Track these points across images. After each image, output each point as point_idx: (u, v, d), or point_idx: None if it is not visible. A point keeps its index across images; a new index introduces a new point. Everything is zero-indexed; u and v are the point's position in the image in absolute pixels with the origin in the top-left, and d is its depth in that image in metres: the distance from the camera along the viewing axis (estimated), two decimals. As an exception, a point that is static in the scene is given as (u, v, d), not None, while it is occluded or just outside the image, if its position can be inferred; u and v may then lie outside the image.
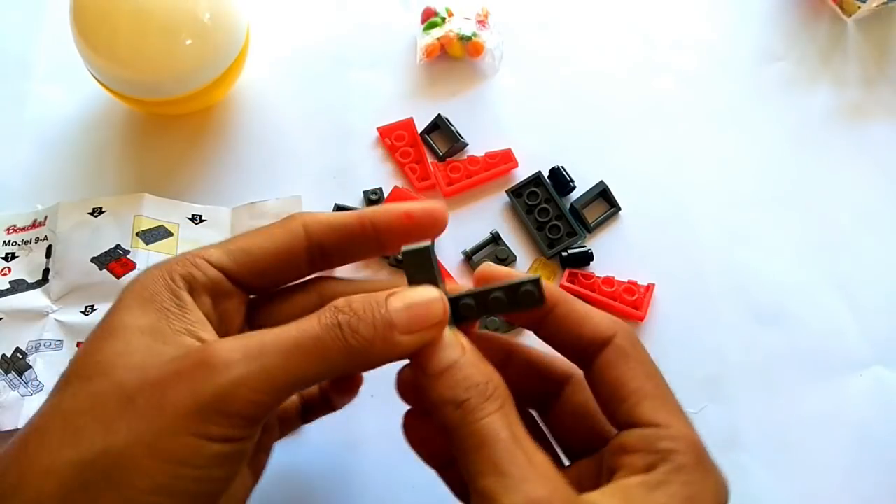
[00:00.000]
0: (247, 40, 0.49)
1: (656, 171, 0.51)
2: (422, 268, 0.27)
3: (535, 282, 0.27)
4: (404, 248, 0.27)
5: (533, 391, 0.31)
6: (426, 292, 0.26)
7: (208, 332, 0.27)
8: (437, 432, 0.30)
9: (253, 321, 0.30)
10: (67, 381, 0.25)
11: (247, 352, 0.24)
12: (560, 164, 0.49)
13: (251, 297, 0.30)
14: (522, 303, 0.27)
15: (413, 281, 0.27)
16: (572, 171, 0.49)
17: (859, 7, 0.54)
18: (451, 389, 0.25)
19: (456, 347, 0.26)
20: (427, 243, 0.27)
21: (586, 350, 0.28)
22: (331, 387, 0.34)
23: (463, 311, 0.28)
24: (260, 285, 0.29)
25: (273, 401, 0.24)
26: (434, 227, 0.29)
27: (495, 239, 0.48)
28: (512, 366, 0.30)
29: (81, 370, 0.25)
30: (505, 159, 0.50)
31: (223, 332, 0.28)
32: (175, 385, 0.23)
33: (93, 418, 0.23)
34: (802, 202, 0.50)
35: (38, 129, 0.51)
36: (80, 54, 0.45)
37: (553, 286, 0.29)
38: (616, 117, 0.52)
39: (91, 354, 0.25)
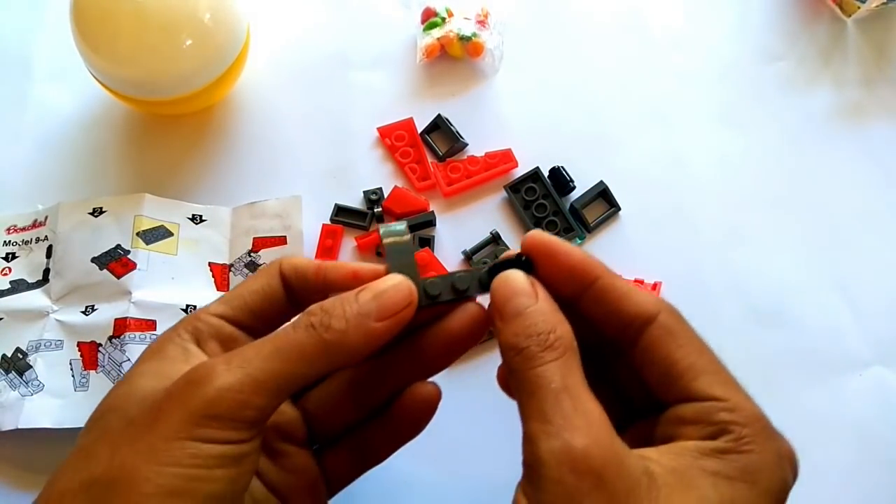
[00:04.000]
0: (247, 40, 0.49)
1: (656, 171, 0.51)
2: (400, 246, 0.30)
3: (491, 270, 0.29)
4: (381, 227, 0.30)
5: (610, 328, 0.29)
6: (390, 279, 0.28)
7: None
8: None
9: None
10: (84, 426, 0.28)
11: (229, 363, 0.26)
12: (560, 164, 0.49)
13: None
14: (485, 287, 0.29)
15: (391, 259, 0.30)
16: (572, 171, 0.49)
17: (859, 7, 0.54)
18: (516, 336, 0.27)
19: (530, 296, 0.27)
20: (403, 222, 0.31)
21: (629, 327, 0.28)
22: (402, 414, 0.33)
23: (430, 291, 0.30)
24: (256, 324, 0.31)
25: (263, 402, 0.26)
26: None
27: (495, 239, 0.48)
28: (590, 297, 0.29)
29: (95, 414, 0.28)
30: (505, 159, 0.50)
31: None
32: (168, 402, 0.25)
33: (102, 444, 0.26)
34: (802, 202, 0.50)
35: (39, 130, 0.51)
36: (81, 54, 0.45)
37: (593, 258, 0.29)
38: (616, 117, 0.52)
39: (103, 402, 0.28)
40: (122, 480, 0.24)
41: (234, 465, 0.25)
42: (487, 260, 0.47)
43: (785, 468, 0.26)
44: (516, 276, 0.28)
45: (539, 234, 0.29)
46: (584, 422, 0.24)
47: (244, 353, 0.26)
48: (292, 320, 0.28)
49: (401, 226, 0.31)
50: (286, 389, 0.26)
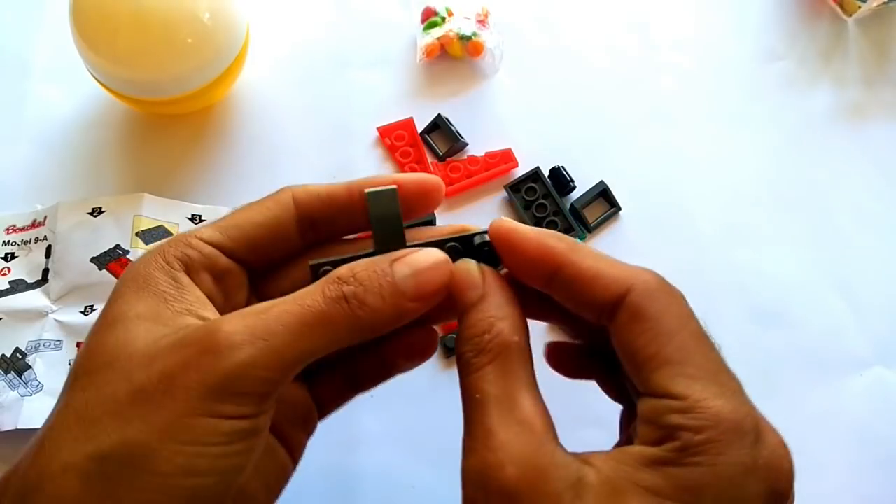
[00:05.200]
0: (246, 40, 0.49)
1: (656, 171, 0.50)
2: (386, 212, 0.27)
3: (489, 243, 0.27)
4: (367, 190, 0.27)
5: (589, 317, 0.26)
6: (431, 255, 0.26)
7: (209, 311, 0.26)
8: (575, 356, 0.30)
9: (260, 294, 0.29)
10: (75, 377, 0.25)
11: (252, 332, 0.23)
12: (560, 164, 0.49)
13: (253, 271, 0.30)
14: (480, 258, 0.27)
15: (377, 227, 0.27)
16: (572, 171, 0.49)
17: (860, 7, 0.54)
18: (457, 341, 0.25)
19: (476, 290, 0.25)
20: (392, 187, 0.27)
21: (603, 314, 0.25)
22: (398, 351, 0.31)
23: None
24: (255, 260, 0.28)
25: (282, 376, 0.24)
26: (427, 202, 0.28)
27: (495, 239, 0.48)
28: (558, 285, 0.26)
29: (87, 364, 0.25)
30: (505, 159, 0.50)
31: (229, 308, 0.27)
32: (183, 374, 0.23)
33: (105, 411, 0.23)
34: (803, 202, 0.50)
35: (38, 129, 0.51)
36: (80, 54, 0.45)
37: (555, 240, 0.26)
38: (616, 117, 0.52)
39: (94, 348, 0.25)
40: (137, 458, 0.22)
41: (251, 437, 0.24)
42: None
43: (753, 485, 0.21)
44: (464, 269, 0.26)
45: (498, 224, 0.27)
46: (505, 435, 0.22)
47: (266, 322, 0.24)
48: (319, 286, 0.25)
49: (389, 191, 0.27)
50: (307, 362, 0.24)
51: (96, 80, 0.47)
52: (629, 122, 0.52)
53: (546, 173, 0.49)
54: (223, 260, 0.27)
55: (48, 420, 0.24)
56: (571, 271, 0.25)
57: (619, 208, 0.49)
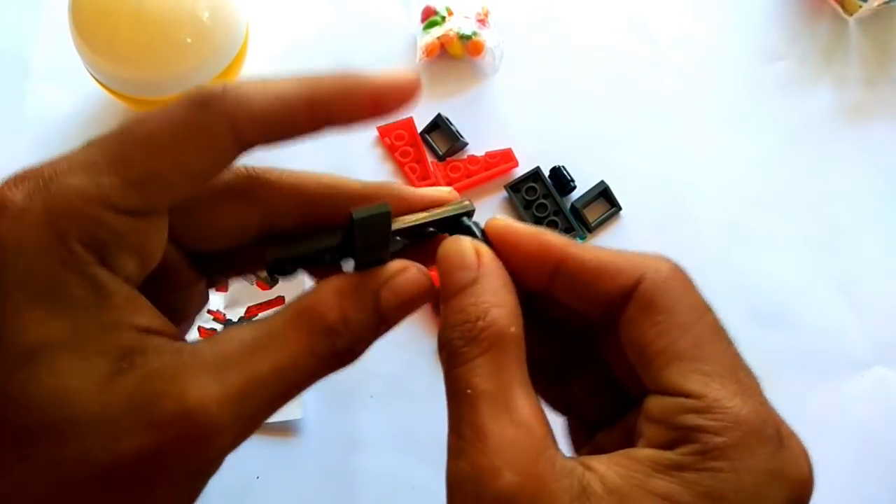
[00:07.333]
0: (246, 39, 0.48)
1: (657, 171, 0.50)
2: (375, 236, 0.23)
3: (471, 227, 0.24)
4: (355, 214, 0.22)
5: (593, 313, 0.24)
6: (418, 284, 0.23)
7: (143, 315, 0.21)
8: None
9: (178, 228, 0.24)
10: (10, 450, 0.19)
11: (237, 412, 0.20)
12: (561, 164, 0.49)
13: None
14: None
15: (362, 248, 0.23)
16: (573, 171, 0.49)
17: (861, 6, 0.54)
18: (443, 328, 0.22)
19: (470, 270, 0.22)
20: (386, 209, 0.23)
21: (611, 307, 0.23)
22: None
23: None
24: (175, 207, 0.23)
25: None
26: (404, 104, 0.24)
27: (495, 239, 0.48)
28: (560, 282, 0.24)
29: (17, 424, 0.19)
30: (505, 159, 0.49)
31: (147, 264, 0.23)
32: (162, 461, 0.20)
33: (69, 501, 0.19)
34: (803, 202, 0.50)
35: (37, 129, 0.51)
36: (79, 53, 0.45)
37: (552, 237, 0.24)
38: (617, 117, 0.52)
39: (16, 399, 0.19)
40: None
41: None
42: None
43: (776, 494, 0.20)
44: (459, 245, 0.23)
45: (492, 223, 0.24)
46: (501, 437, 0.20)
47: (252, 395, 0.21)
48: (305, 337, 0.22)
49: (381, 214, 0.23)
50: None
51: (96, 79, 0.47)
52: (630, 122, 0.52)
53: (546, 173, 0.49)
54: (143, 226, 0.21)
55: None
56: (573, 264, 0.23)
57: (620, 208, 0.49)
